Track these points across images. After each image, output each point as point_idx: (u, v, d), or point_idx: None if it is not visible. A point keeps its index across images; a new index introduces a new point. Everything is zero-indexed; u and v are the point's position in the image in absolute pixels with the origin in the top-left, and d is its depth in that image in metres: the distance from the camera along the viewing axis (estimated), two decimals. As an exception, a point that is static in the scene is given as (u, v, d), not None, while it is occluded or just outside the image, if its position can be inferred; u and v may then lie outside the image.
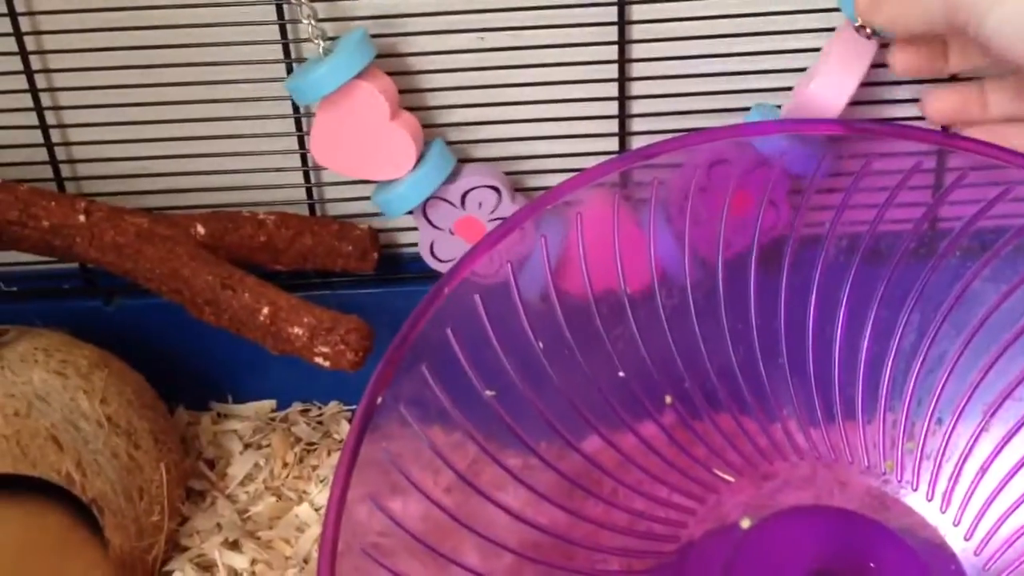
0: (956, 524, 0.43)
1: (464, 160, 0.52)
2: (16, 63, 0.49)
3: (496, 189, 0.49)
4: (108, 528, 0.43)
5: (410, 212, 0.50)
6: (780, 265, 0.45)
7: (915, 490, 0.44)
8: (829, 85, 0.46)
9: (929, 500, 0.43)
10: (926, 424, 0.44)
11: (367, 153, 0.48)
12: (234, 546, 0.49)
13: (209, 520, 0.50)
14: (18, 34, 0.49)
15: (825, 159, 0.44)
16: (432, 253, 0.51)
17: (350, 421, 0.55)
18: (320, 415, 0.56)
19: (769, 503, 0.44)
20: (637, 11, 0.49)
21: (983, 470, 0.43)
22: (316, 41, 0.47)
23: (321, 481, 0.52)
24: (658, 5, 0.48)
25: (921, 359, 0.44)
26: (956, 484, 0.43)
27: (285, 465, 0.53)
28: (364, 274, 0.53)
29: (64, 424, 0.43)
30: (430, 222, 0.50)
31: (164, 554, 0.47)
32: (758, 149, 0.45)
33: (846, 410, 0.45)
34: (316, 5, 0.47)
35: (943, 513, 0.43)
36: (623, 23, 0.49)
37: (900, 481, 0.44)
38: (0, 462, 0.41)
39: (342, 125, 0.47)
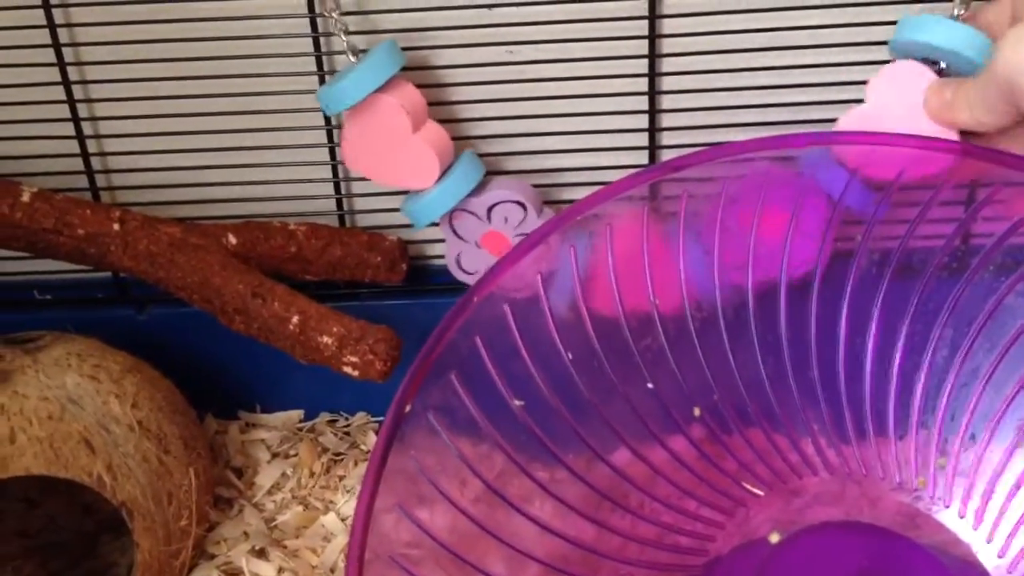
0: (989, 541, 0.42)
1: (493, 173, 0.52)
2: (54, 74, 0.50)
3: (522, 205, 0.49)
4: (137, 532, 0.43)
5: (436, 224, 0.50)
6: (811, 278, 0.45)
7: (947, 507, 0.43)
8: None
9: (962, 517, 0.43)
10: (959, 440, 0.44)
11: (392, 163, 0.48)
12: (261, 554, 0.49)
13: (236, 528, 0.50)
14: (56, 46, 0.50)
15: (883, 203, 0.44)
16: (459, 265, 0.51)
17: (377, 432, 0.55)
18: (347, 426, 0.56)
19: (798, 518, 0.44)
20: (668, 25, 0.49)
21: (1017, 486, 0.42)
22: (348, 54, 0.47)
23: (348, 491, 0.52)
24: (689, 19, 0.49)
25: (954, 374, 0.44)
26: (989, 501, 0.43)
27: (312, 475, 0.53)
28: (391, 285, 0.53)
29: (96, 427, 0.44)
30: (456, 234, 0.50)
31: (191, 560, 0.48)
32: (816, 182, 0.45)
33: (877, 425, 0.44)
34: (347, 18, 0.48)
35: (976, 530, 0.43)
36: (653, 37, 0.49)
37: (932, 498, 0.43)
38: (34, 464, 0.42)
39: (368, 135, 0.48)
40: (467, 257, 0.51)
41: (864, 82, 0.46)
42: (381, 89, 0.46)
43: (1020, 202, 0.43)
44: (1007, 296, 0.43)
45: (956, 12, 0.45)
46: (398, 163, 0.48)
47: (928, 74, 0.45)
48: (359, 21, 0.49)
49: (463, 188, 0.49)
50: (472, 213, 0.49)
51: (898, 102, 0.46)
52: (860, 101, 0.48)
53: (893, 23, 0.48)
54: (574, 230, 0.43)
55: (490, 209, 0.49)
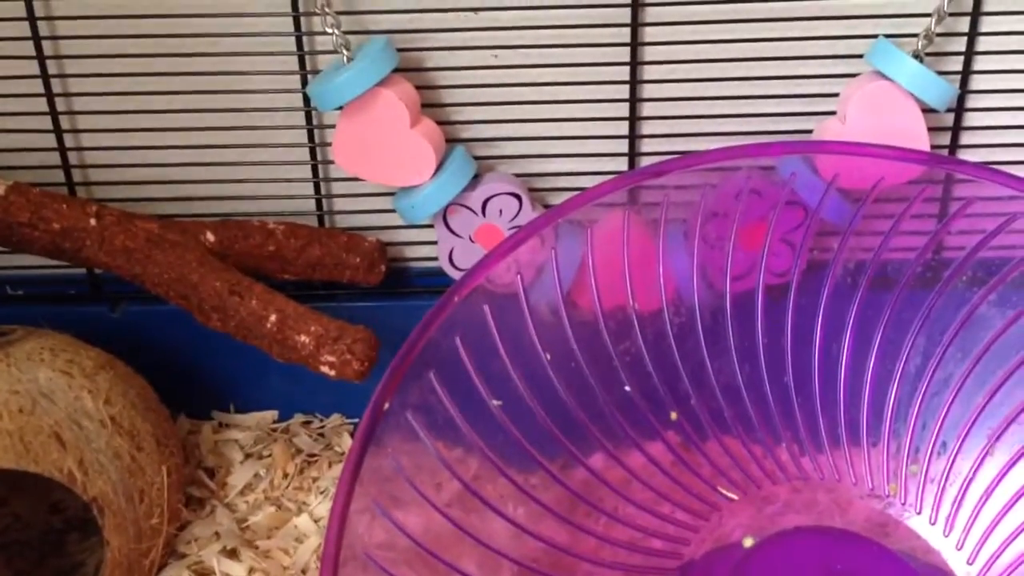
0: (959, 548, 0.43)
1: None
2: (33, 67, 0.50)
3: (517, 197, 0.49)
4: (107, 528, 0.43)
5: (429, 224, 0.50)
6: (788, 286, 0.45)
7: (918, 514, 0.44)
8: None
9: (932, 524, 0.43)
10: (930, 448, 0.44)
11: (388, 159, 0.48)
12: (232, 554, 0.49)
13: (208, 528, 0.50)
14: (36, 38, 0.49)
15: (857, 214, 0.44)
16: (451, 261, 0.51)
17: (352, 434, 0.55)
18: (322, 427, 0.56)
19: (771, 524, 0.44)
20: (649, 33, 0.49)
21: (987, 494, 0.43)
22: (341, 51, 0.47)
23: (321, 492, 0.52)
24: (670, 28, 0.49)
25: (926, 383, 0.44)
26: (959, 508, 0.43)
27: (285, 476, 0.53)
28: (369, 287, 0.53)
29: (68, 422, 0.43)
30: (450, 229, 0.50)
31: (161, 559, 0.47)
32: (794, 191, 0.45)
33: (851, 433, 0.45)
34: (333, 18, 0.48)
35: (946, 537, 0.43)
36: (635, 45, 0.49)
37: (904, 504, 0.44)
38: (3, 458, 0.41)
39: (364, 132, 0.48)
40: (460, 253, 0.51)
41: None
42: (378, 84, 0.46)
43: (991, 215, 0.44)
44: (979, 307, 0.44)
45: (920, 46, 0.47)
46: (394, 159, 0.48)
47: (899, 96, 0.46)
48: (346, 22, 0.49)
49: (459, 182, 0.49)
50: (467, 207, 0.50)
51: (871, 117, 0.47)
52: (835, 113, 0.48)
53: (871, 36, 0.49)
54: (554, 233, 0.43)
55: (485, 203, 0.50)
